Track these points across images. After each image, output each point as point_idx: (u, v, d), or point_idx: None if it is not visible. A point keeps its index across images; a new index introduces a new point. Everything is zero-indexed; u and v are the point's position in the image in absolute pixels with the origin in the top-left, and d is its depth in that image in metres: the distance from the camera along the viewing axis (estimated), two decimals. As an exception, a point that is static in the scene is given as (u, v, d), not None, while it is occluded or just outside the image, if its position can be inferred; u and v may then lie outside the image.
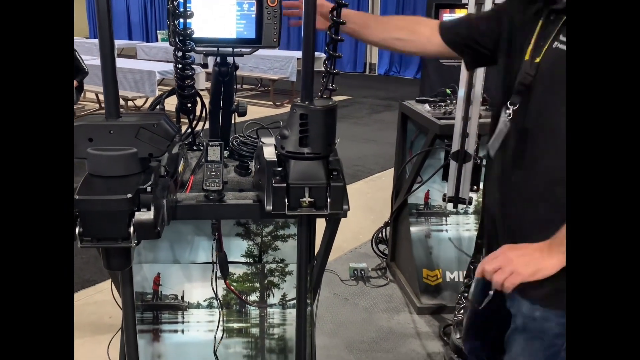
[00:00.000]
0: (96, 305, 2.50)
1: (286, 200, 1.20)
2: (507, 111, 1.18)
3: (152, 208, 1.11)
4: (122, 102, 5.73)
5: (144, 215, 1.11)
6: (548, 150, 1.14)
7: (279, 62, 7.47)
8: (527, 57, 1.16)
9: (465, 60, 1.44)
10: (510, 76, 1.22)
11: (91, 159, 1.11)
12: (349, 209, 1.23)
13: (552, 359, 1.16)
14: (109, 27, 1.07)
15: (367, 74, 11.35)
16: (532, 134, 1.15)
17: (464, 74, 1.90)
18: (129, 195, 1.09)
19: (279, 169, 1.21)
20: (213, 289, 1.71)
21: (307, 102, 1.14)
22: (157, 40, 11.02)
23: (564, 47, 1.09)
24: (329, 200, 1.20)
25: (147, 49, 9.42)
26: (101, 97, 7.01)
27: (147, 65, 6.85)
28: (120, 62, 6.09)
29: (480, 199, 2.34)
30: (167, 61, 7.69)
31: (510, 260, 1.07)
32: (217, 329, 1.76)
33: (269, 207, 1.20)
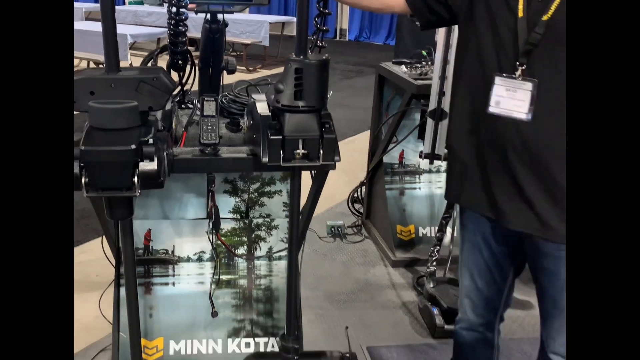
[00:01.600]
0: (82, 265, 2.54)
1: (281, 152, 1.27)
2: (516, 72, 1.18)
3: (156, 159, 1.16)
4: (93, 65, 5.54)
5: (148, 165, 1.16)
6: (555, 102, 1.17)
7: (252, 26, 7.34)
8: (520, 14, 1.16)
9: (419, 20, 1.40)
10: (502, 33, 1.20)
11: (93, 112, 1.15)
12: (339, 160, 1.32)
13: None
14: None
15: (337, 40, 11.30)
16: (540, 91, 1.17)
17: (441, 34, 1.98)
18: (133, 146, 1.14)
19: (274, 122, 1.27)
20: (210, 240, 1.78)
21: (301, 57, 1.20)
22: (124, 4, 10.59)
23: None
24: (321, 152, 1.28)
25: (116, 12, 9.06)
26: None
27: (117, 28, 6.62)
28: (89, 26, 5.85)
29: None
30: (136, 24, 7.46)
31: None
32: (213, 276, 1.84)
33: (265, 159, 1.27)
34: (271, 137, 1.25)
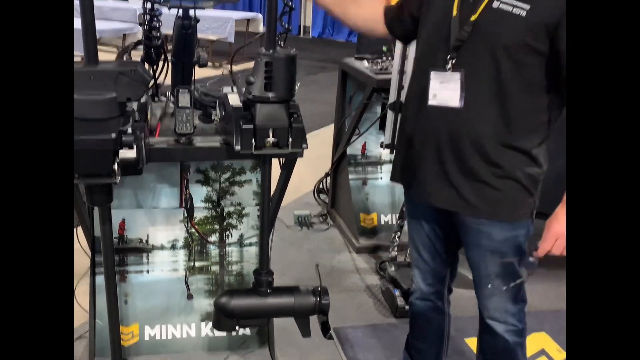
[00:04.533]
0: (51, 258, 2.55)
1: (253, 141, 1.36)
2: (447, 65, 1.31)
3: (135, 147, 1.24)
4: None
5: (128, 153, 1.24)
6: (477, 94, 1.31)
7: (217, 22, 7.33)
8: (454, 13, 1.29)
9: (399, 38, 1.58)
10: (439, 32, 1.34)
11: (75, 103, 1.21)
12: (307, 147, 1.42)
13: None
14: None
15: (301, 37, 11.38)
16: (466, 82, 1.30)
17: (399, 32, 2.11)
18: (114, 135, 1.21)
19: (246, 112, 1.37)
20: (185, 226, 1.85)
21: (271, 51, 1.29)
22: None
23: (506, 7, 1.23)
24: (290, 140, 1.38)
25: (78, 6, 8.84)
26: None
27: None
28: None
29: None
30: (99, 18, 7.33)
31: (563, 232, 1.28)
32: (188, 261, 1.92)
33: (237, 147, 1.37)
34: (243, 127, 1.34)
